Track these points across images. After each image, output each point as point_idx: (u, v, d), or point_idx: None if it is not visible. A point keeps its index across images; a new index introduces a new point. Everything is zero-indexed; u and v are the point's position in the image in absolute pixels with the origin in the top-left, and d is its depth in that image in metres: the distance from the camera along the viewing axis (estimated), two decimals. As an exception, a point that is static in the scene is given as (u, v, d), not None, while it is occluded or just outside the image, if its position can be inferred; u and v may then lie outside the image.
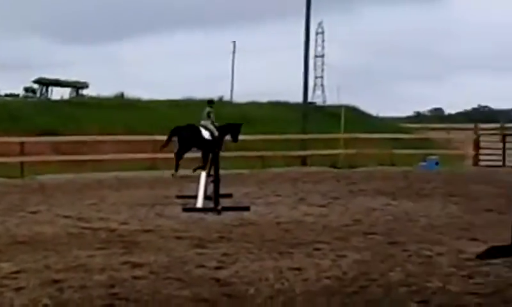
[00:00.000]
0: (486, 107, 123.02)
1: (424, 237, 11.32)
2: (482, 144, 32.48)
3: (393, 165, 29.27)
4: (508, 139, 32.80)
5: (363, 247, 10.45)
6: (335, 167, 27.92)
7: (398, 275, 8.62)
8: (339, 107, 33.32)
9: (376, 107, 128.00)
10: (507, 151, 28.78)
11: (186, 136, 23.35)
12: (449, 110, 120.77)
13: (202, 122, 23.80)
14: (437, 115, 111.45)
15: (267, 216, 13.73)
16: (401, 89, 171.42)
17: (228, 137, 24.10)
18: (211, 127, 23.67)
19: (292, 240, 10.93)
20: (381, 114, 59.25)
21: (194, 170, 22.20)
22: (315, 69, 76.57)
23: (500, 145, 32.13)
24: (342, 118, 30.32)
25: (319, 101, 66.20)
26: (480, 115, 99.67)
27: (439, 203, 15.94)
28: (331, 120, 35.13)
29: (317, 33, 75.30)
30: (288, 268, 8.90)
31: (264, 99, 46.40)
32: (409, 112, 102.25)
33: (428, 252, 10.01)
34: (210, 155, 19.11)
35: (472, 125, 37.10)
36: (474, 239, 11.09)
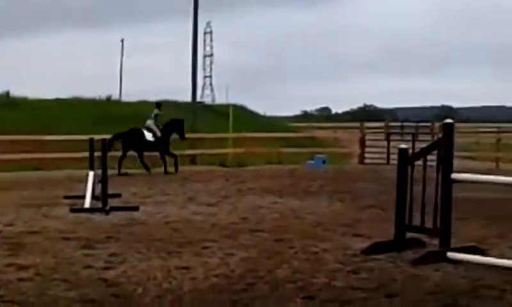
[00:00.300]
0: (371, 106, 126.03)
1: (310, 234, 11.52)
2: (367, 143, 33.29)
3: (281, 163, 29.63)
4: (392, 137, 33.71)
5: (251, 244, 10.57)
6: (223, 166, 28.06)
7: (285, 272, 8.76)
8: (228, 106, 33.50)
9: (264, 106, 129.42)
10: (392, 149, 29.49)
11: (130, 140, 24.21)
12: (336, 109, 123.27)
13: (147, 123, 24.86)
14: (324, 114, 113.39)
15: (156, 216, 13.69)
16: (289, 89, 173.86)
17: (175, 136, 25.22)
18: (154, 128, 24.70)
19: (180, 239, 10.94)
20: (269, 113, 59.99)
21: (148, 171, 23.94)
22: (204, 68, 76.50)
23: (385, 143, 32.97)
24: (231, 117, 30.50)
25: (208, 100, 66.21)
26: (366, 114, 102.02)
27: (325, 201, 16.24)
28: (219, 119, 35.30)
29: (205, 33, 75.19)
30: (176, 268, 8.91)
31: (153, 98, 46.15)
32: (296, 112, 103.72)
33: (314, 249, 10.19)
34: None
35: (357, 124, 37.96)
36: (359, 235, 11.36)
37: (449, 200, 9.63)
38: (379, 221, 12.68)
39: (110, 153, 22.79)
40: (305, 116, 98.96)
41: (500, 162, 31.05)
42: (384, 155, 31.50)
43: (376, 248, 9.90)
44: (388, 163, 29.78)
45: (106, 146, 15.52)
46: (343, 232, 11.75)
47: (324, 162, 29.24)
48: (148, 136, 24.52)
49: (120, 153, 24.08)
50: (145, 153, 24.65)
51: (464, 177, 9.95)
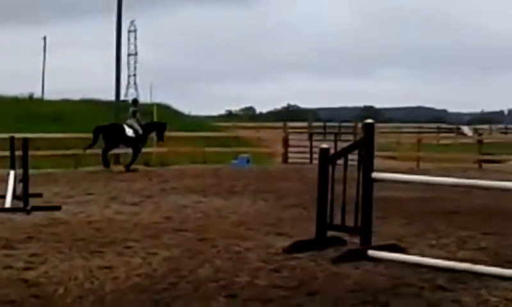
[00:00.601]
0: (295, 106, 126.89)
1: (234, 233, 11.58)
2: (290, 142, 33.53)
3: (205, 163, 29.64)
4: (315, 137, 34.08)
5: (174, 244, 10.56)
6: (147, 165, 27.93)
7: (207, 271, 8.79)
8: (152, 105, 33.34)
9: (189, 105, 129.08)
10: (314, 149, 29.77)
11: (111, 134, 24.83)
12: (260, 109, 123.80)
13: (128, 121, 25.57)
14: (249, 114, 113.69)
15: (78, 215, 13.57)
16: (214, 88, 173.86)
17: (153, 135, 26.46)
18: (136, 126, 25.53)
19: (103, 239, 10.87)
20: (194, 113, 59.88)
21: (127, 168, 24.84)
22: (128, 67, 75.92)
23: (308, 143, 33.31)
24: (155, 116, 30.37)
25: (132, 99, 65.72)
26: (290, 114, 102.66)
27: (249, 200, 16.33)
28: (144, 118, 35.06)
29: (129, 31, 74.58)
30: (98, 267, 8.86)
31: (76, 96, 45.62)
32: (221, 111, 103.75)
33: (237, 248, 10.25)
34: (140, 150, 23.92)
35: (281, 124, 38.23)
36: (282, 234, 11.45)
37: (370, 199, 9.79)
38: (301, 220, 12.81)
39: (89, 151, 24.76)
40: (230, 116, 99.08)
41: (421, 161, 31.66)
42: (307, 155, 31.82)
43: (298, 247, 10.01)
44: (310, 162, 30.07)
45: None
46: (266, 231, 11.84)
47: (248, 161, 29.38)
48: (129, 132, 25.25)
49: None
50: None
51: (384, 176, 10.14)
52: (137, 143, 25.54)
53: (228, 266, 9.07)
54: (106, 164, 24.73)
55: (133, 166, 25.25)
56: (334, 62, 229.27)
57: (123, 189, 18.40)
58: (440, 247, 10.69)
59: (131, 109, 26.15)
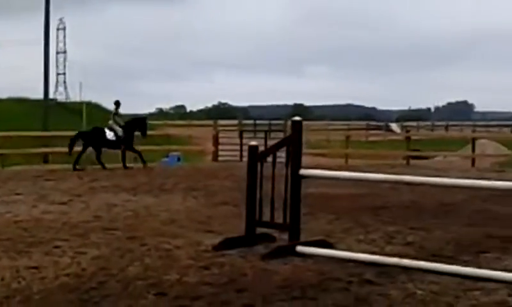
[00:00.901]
0: (226, 104, 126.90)
1: (164, 231, 11.54)
2: (221, 140, 33.56)
3: (135, 161, 29.43)
4: (245, 135, 34.20)
5: (103, 243, 10.49)
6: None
7: (136, 269, 8.76)
8: (81, 103, 33.06)
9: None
10: (244, 147, 29.84)
11: (90, 138, 25.51)
12: (191, 107, 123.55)
13: (109, 123, 26.16)
14: (180, 112, 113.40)
15: (5, 215, 13.36)
16: (145, 87, 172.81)
17: (137, 133, 26.60)
18: (116, 128, 25.96)
19: (30, 239, 10.73)
20: (124, 111, 59.40)
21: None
22: (57, 65, 75.19)
23: (238, 141, 33.40)
24: (84, 114, 30.10)
25: (61, 98, 65.10)
26: (220, 112, 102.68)
27: (179, 198, 16.30)
28: (73, 117, 34.80)
29: (58, 29, 73.92)
30: (25, 267, 8.75)
31: (4, 95, 44.94)
32: (152, 110, 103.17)
33: (167, 246, 10.23)
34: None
35: (211, 122, 38.24)
36: (211, 231, 11.47)
37: (298, 196, 9.89)
38: (231, 217, 12.84)
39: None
40: (160, 114, 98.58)
41: (350, 158, 32.04)
42: (237, 153, 31.91)
43: (227, 244, 10.04)
44: (241, 160, 30.17)
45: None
46: (196, 229, 11.84)
47: (178, 159, 29.35)
48: (109, 135, 25.73)
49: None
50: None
51: (312, 173, 10.25)
52: (119, 145, 25.96)
53: (158, 264, 9.06)
54: (102, 165, 25.44)
55: (80, 166, 25.23)
56: (264, 61, 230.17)
57: (51, 188, 18.17)
58: (368, 242, 10.85)
59: (113, 111, 26.78)
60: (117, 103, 27.31)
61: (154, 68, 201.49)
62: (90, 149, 25.56)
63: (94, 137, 25.54)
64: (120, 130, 26.01)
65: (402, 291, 7.81)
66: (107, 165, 25.26)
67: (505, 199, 15.16)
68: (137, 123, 27.09)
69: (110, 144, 25.91)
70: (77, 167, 24.69)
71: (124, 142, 26.03)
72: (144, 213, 13.75)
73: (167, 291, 7.72)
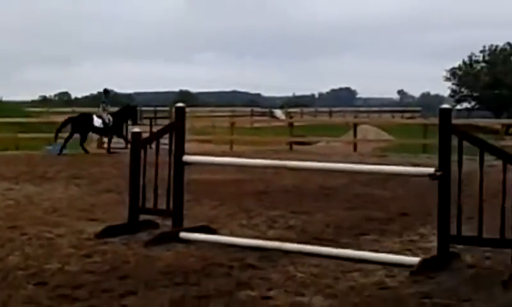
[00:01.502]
0: (111, 90, 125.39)
1: (45, 220, 11.38)
2: (106, 127, 33.15)
3: (18, 149, 28.88)
4: (141, 122, 33.96)
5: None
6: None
7: (17, 259, 8.61)
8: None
9: (0, 91, 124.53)
10: (129, 134, 29.60)
11: (79, 123, 26.75)
12: (76, 94, 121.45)
13: (98, 110, 27.44)
14: (64, 99, 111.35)
15: None
16: (28, 74, 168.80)
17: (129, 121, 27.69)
18: (104, 116, 27.03)
19: None
20: (5, 98, 58.38)
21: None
22: None
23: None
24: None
25: None
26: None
27: (62, 186, 16.08)
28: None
29: None
30: None
31: None
32: (34, 97, 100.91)
33: (48, 235, 10.10)
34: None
35: (96, 109, 37.72)
36: (94, 219, 11.38)
37: (181, 182, 9.95)
38: (114, 205, 12.77)
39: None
40: (44, 101, 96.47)
41: (234, 144, 32.22)
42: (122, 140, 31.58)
43: (110, 231, 10.00)
44: (126, 147, 29.86)
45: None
46: (78, 217, 11.72)
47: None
48: (97, 122, 26.83)
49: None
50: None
51: (195, 159, 10.33)
52: (106, 132, 27.37)
53: (39, 253, 8.94)
54: (85, 150, 26.67)
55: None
56: (153, 48, 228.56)
57: None
58: (250, 227, 11.01)
59: (102, 98, 28.13)
60: (106, 91, 28.54)
61: (38, 54, 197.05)
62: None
63: (81, 123, 26.69)
64: (107, 118, 27.05)
65: (283, 275, 7.97)
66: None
67: (386, 183, 15.65)
68: (127, 111, 28.10)
69: (97, 130, 27.41)
70: (64, 152, 25.87)
71: (112, 130, 27.22)
72: (26, 202, 13.50)
73: (47, 280, 7.63)
